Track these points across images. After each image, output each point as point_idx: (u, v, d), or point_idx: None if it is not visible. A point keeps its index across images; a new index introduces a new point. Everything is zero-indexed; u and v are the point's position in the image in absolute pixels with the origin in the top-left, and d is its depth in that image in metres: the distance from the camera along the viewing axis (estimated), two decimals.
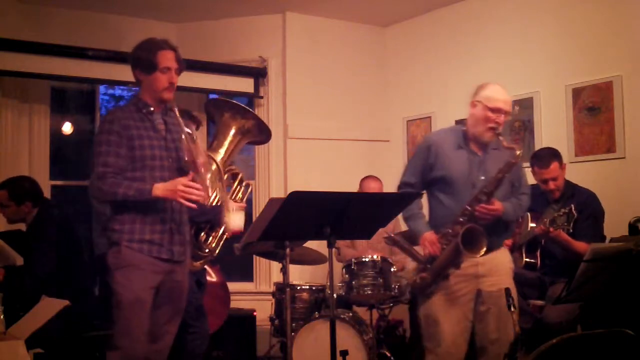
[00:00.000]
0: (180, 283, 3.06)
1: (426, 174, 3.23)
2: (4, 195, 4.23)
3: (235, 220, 3.07)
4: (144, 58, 2.98)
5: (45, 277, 4.01)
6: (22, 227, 4.53)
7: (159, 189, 2.86)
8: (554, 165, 3.88)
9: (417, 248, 3.51)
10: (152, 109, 3.01)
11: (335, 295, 3.55)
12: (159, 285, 2.96)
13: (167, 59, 2.99)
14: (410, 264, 4.84)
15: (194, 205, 2.91)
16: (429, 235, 3.17)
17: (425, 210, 3.34)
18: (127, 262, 2.89)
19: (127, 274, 2.89)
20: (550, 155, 3.92)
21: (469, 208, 3.06)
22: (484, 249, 3.00)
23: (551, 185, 3.90)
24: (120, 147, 2.90)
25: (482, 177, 3.12)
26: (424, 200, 3.34)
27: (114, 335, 2.92)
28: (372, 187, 4.96)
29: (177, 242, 3.01)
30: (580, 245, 3.63)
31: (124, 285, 2.88)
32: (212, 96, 5.50)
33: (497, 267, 3.17)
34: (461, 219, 3.07)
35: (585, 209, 3.84)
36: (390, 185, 5.26)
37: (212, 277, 4.64)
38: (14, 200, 4.22)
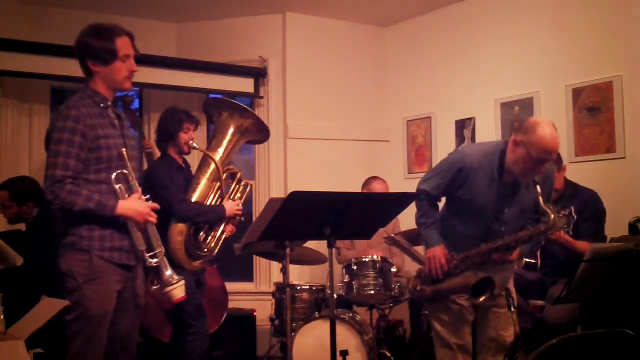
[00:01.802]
0: (139, 286, 2.89)
1: (451, 190, 3.14)
2: (5, 196, 4.24)
3: (178, 292, 2.82)
4: (100, 47, 2.70)
5: (46, 276, 4.01)
6: (22, 227, 4.53)
7: (124, 208, 2.68)
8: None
9: (417, 248, 3.52)
10: (109, 102, 2.79)
11: (335, 295, 3.55)
12: (119, 293, 2.79)
13: (125, 45, 2.75)
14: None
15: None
16: (439, 252, 3.12)
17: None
18: (97, 273, 2.69)
19: (97, 287, 2.68)
20: None
21: (485, 252, 3.03)
22: (485, 297, 3.00)
23: None
24: (82, 149, 2.65)
25: (506, 210, 3.06)
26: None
27: (74, 349, 2.69)
28: (377, 189, 4.95)
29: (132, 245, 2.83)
30: (582, 245, 3.62)
31: (93, 298, 2.67)
32: (212, 96, 5.50)
33: (500, 269, 3.17)
34: (474, 255, 3.06)
35: (587, 208, 3.85)
36: (390, 185, 5.27)
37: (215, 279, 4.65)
38: (15, 200, 4.22)
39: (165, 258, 2.82)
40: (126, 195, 2.75)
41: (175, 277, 2.81)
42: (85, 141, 2.67)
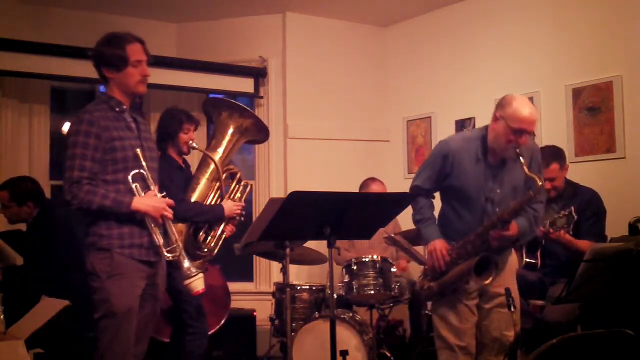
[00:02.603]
0: (159, 286, 2.99)
1: (440, 181, 3.18)
2: (6, 196, 4.24)
3: (198, 284, 2.87)
4: (112, 55, 2.83)
5: (46, 276, 4.01)
6: (22, 227, 4.53)
7: (140, 203, 2.78)
8: (554, 166, 3.88)
9: (417, 248, 3.52)
10: (124, 107, 2.90)
11: (335, 295, 3.55)
12: (145, 288, 2.89)
13: (136, 51, 2.86)
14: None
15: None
16: (439, 245, 3.13)
17: (436, 212, 3.31)
18: (119, 270, 2.77)
19: (120, 282, 2.77)
20: (552, 155, 3.91)
21: (482, 232, 3.03)
22: (492, 278, 3.00)
23: (547, 185, 3.89)
24: (97, 151, 2.77)
25: (498, 190, 3.08)
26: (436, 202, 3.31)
27: (102, 345, 2.78)
28: (375, 190, 4.94)
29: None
30: (584, 244, 3.62)
31: (116, 294, 2.76)
32: (211, 96, 5.50)
33: (504, 267, 3.17)
34: (473, 238, 3.06)
35: (588, 208, 3.84)
36: (390, 185, 5.27)
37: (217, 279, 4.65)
38: (16, 200, 4.23)
39: (183, 251, 2.89)
40: (142, 193, 2.83)
41: (194, 269, 2.88)
42: (100, 142, 2.78)
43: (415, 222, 3.27)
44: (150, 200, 2.82)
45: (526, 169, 2.93)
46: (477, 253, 3.05)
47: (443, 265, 3.12)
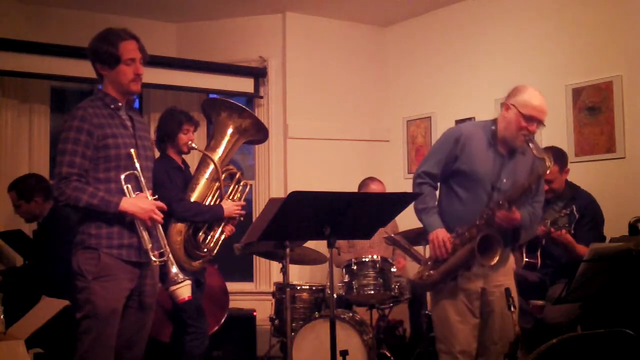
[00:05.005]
0: (147, 289, 2.91)
1: (449, 165, 3.13)
2: (14, 196, 4.31)
3: (184, 291, 2.82)
4: (105, 51, 2.79)
5: (52, 275, 4.01)
6: (22, 227, 4.54)
7: (128, 204, 2.72)
8: (553, 168, 3.86)
9: (417, 247, 3.52)
10: (120, 104, 2.86)
11: (335, 295, 3.55)
12: (131, 291, 2.83)
13: (130, 49, 2.81)
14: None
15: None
16: (441, 234, 3.07)
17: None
18: (106, 271, 2.72)
19: (106, 283, 2.72)
20: (553, 157, 3.89)
21: (489, 212, 2.99)
22: (497, 257, 2.96)
23: (545, 186, 3.88)
24: (88, 147, 2.72)
25: (505, 180, 3.06)
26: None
27: (84, 347, 2.73)
28: (374, 189, 4.94)
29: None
30: (582, 249, 3.61)
31: (102, 296, 2.71)
32: (212, 96, 5.50)
33: (502, 266, 3.14)
34: (479, 222, 3.01)
35: (587, 213, 3.83)
36: (390, 185, 5.27)
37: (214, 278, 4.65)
38: (23, 198, 4.29)
39: (171, 256, 2.85)
40: (133, 195, 2.79)
41: (181, 276, 2.83)
42: (92, 139, 2.74)
43: (418, 211, 3.19)
44: (139, 201, 2.76)
45: (535, 152, 2.95)
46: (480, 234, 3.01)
47: (445, 253, 3.05)
